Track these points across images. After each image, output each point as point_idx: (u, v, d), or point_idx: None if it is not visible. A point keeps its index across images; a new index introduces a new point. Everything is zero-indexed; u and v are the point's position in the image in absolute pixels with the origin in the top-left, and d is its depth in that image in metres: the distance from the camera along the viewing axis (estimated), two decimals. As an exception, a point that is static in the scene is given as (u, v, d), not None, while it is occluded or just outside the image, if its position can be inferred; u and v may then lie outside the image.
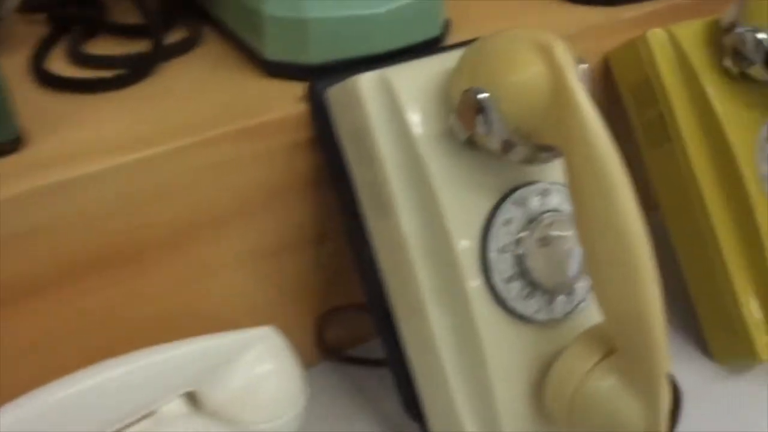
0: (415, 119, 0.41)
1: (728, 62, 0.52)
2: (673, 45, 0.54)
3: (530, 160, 0.40)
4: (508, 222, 0.42)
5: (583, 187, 0.37)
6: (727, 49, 0.52)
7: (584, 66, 0.40)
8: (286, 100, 0.47)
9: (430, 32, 0.50)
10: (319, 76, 0.46)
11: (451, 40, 0.53)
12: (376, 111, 0.42)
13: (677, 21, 0.56)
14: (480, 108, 0.38)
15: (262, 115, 0.46)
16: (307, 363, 0.56)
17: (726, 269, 0.53)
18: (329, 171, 0.47)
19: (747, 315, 0.53)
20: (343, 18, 0.46)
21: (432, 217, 0.42)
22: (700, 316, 0.56)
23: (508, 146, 0.39)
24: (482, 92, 0.38)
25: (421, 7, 0.49)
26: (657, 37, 0.54)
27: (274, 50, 0.48)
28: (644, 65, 0.55)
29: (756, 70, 0.51)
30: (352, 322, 0.56)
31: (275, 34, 0.47)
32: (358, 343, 0.57)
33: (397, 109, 0.41)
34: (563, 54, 0.37)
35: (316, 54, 0.47)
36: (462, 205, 0.41)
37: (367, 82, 0.42)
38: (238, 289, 0.51)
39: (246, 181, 0.47)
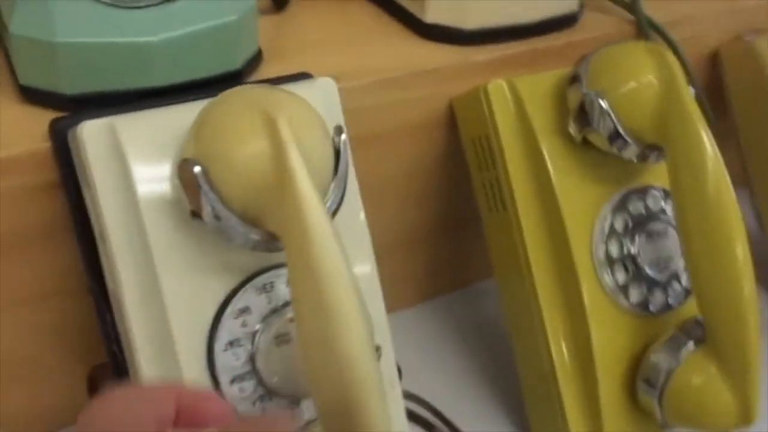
0: (142, 179, 0.35)
1: (572, 128, 0.46)
2: (515, 100, 0.47)
3: (265, 248, 0.33)
4: (243, 311, 0.35)
5: (303, 296, 0.30)
6: (571, 111, 0.46)
7: (342, 138, 0.34)
8: (36, 133, 0.40)
9: (226, 66, 0.44)
10: (77, 109, 0.40)
11: (261, 74, 0.46)
12: (100, 165, 0.35)
13: (536, 70, 0.50)
14: (197, 183, 0.32)
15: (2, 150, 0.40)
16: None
17: (549, 352, 0.47)
18: (72, 219, 0.40)
19: (566, 400, 0.47)
20: (102, 45, 0.39)
21: (153, 295, 0.35)
22: (524, 394, 0.50)
23: (234, 231, 0.33)
24: (196, 165, 0.32)
25: (211, 38, 0.42)
26: (498, 89, 0.47)
27: (25, 74, 0.41)
28: (485, 120, 0.48)
29: (598, 139, 0.45)
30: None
31: (24, 57, 0.40)
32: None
33: (122, 165, 0.35)
34: (290, 127, 0.30)
35: (69, 84, 0.40)
36: (189, 287, 0.35)
37: (91, 130, 0.35)
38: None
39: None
